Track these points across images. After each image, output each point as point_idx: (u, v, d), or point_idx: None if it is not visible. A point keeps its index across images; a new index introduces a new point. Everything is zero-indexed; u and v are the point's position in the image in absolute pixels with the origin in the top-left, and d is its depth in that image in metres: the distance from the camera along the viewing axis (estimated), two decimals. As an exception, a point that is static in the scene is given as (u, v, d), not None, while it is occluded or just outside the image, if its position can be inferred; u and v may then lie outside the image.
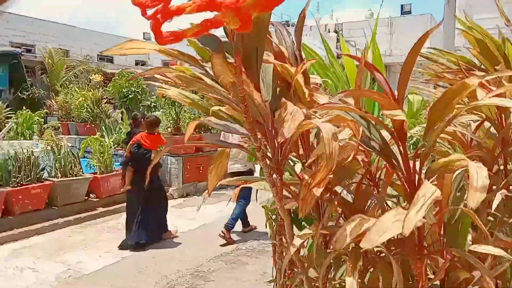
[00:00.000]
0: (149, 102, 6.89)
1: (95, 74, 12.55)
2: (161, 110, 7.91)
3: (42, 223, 5.46)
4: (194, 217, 6.25)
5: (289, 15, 20.87)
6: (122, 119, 11.33)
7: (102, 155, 6.55)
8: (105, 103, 11.60)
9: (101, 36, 22.41)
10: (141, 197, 4.84)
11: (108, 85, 6.94)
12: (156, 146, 4.91)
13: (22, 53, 15.38)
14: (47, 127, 10.15)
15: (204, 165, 8.28)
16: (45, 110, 12.66)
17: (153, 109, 7.20)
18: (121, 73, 6.61)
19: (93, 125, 10.81)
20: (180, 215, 6.46)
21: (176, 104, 7.60)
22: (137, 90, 6.52)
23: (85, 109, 10.93)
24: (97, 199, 6.42)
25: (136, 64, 23.71)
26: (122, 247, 4.85)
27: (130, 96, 6.52)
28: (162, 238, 5.12)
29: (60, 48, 17.74)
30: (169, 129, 8.52)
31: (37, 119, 11.69)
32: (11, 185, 5.32)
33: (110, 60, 22.26)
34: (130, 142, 4.97)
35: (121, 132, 9.57)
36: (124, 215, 6.25)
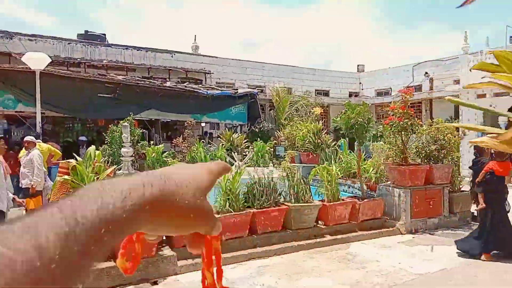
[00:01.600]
0: (375, 131, 6.69)
1: (315, 107, 13.35)
2: (386, 139, 7.60)
3: (280, 244, 5.90)
4: (431, 258, 5.56)
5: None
6: (342, 148, 11.60)
7: (329, 183, 6.70)
8: (324, 133, 12.18)
9: (317, 73, 24.03)
10: (491, 214, 5.59)
11: (336, 116, 7.12)
12: (507, 172, 5.52)
13: (258, 93, 17.99)
14: (284, 156, 11.27)
15: (435, 199, 7.42)
16: (274, 141, 14.27)
17: (379, 139, 6.96)
18: (349, 104, 6.68)
19: (314, 155, 11.44)
20: (413, 254, 5.87)
21: (403, 133, 7.15)
22: (364, 120, 6.44)
23: (307, 140, 11.72)
24: (325, 226, 6.55)
25: (350, 95, 24.26)
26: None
27: (356, 126, 6.49)
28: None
29: (285, 87, 19.91)
30: (391, 159, 8.10)
31: (268, 149, 13.23)
32: (255, 207, 5.99)
33: (326, 93, 23.53)
34: (483, 170, 5.65)
35: (341, 162, 9.74)
36: (352, 245, 6.16)
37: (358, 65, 26.02)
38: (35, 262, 0.25)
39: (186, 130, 12.56)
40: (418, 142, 7.60)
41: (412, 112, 7.09)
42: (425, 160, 7.63)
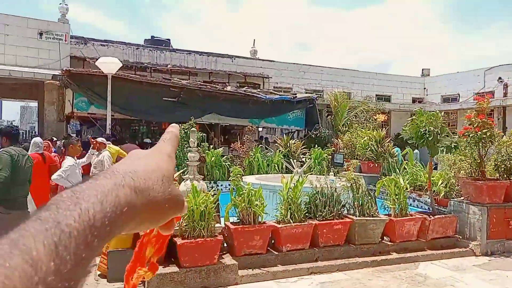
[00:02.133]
0: (449, 142, 6.20)
1: (379, 114, 12.80)
2: (462, 151, 7.03)
3: (342, 259, 5.64)
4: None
5: None
6: (407, 159, 10.99)
7: (397, 196, 6.32)
8: (387, 142, 11.61)
9: (377, 77, 23.18)
10: None
11: (405, 124, 6.72)
12: None
13: (317, 98, 17.68)
14: (342, 164, 10.92)
15: (516, 219, 6.72)
16: (332, 148, 13.89)
17: (453, 150, 6.44)
18: (420, 111, 6.26)
19: (376, 164, 10.95)
20: (491, 279, 5.33)
21: (480, 145, 6.56)
22: (436, 130, 5.99)
23: (369, 148, 11.24)
24: (391, 243, 6.17)
25: (413, 101, 23.13)
26: None
27: (427, 136, 6.06)
28: None
29: (344, 91, 19.39)
30: (463, 171, 7.48)
31: (326, 156, 12.90)
32: (317, 219, 5.79)
33: (388, 99, 22.60)
34: None
35: (405, 172, 9.19)
36: (421, 265, 5.76)
37: (422, 69, 24.72)
38: (33, 277, 0.24)
39: (245, 135, 12.61)
40: (497, 154, 6.94)
41: (492, 122, 6.48)
42: (504, 175, 6.95)
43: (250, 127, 13.42)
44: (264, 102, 15.50)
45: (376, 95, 22.32)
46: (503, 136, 7.17)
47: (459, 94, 21.42)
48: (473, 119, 6.46)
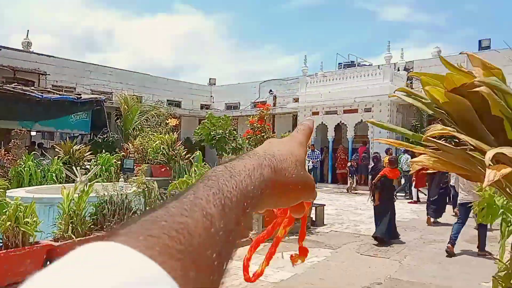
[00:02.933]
0: (234, 144, 6.75)
1: (170, 118, 12.92)
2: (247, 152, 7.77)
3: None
4: (284, 265, 5.80)
5: (356, 55, 20.69)
6: (197, 160, 11.44)
7: (188, 198, 6.42)
8: (179, 145, 11.83)
9: (168, 83, 23.60)
10: (387, 206, 7.16)
11: (197, 128, 6.93)
12: (396, 177, 7.58)
13: (105, 100, 16.41)
14: (133, 169, 10.41)
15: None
16: (122, 153, 13.17)
17: (238, 151, 7.05)
18: (210, 116, 6.57)
19: (167, 167, 10.98)
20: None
21: (259, 146, 7.43)
22: (225, 133, 6.42)
23: (161, 152, 11.18)
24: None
25: (201, 108, 24.55)
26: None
27: (217, 138, 6.42)
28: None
29: (134, 95, 18.80)
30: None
31: (114, 161, 12.13)
32: (105, 230, 5.26)
33: (178, 104, 23.23)
34: (379, 174, 7.17)
35: (196, 174, 9.55)
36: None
37: (210, 79, 26.62)
38: (210, 229, 0.28)
39: (12, 140, 10.49)
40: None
41: (270, 126, 7.43)
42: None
43: (19, 131, 11.29)
44: (40, 102, 13.32)
45: (167, 100, 22.65)
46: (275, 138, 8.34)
47: (239, 103, 24.06)
48: (255, 124, 7.26)
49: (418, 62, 17.91)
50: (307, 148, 0.50)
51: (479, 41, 17.03)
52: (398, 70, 17.14)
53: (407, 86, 13.99)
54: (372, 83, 15.76)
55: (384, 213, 7.09)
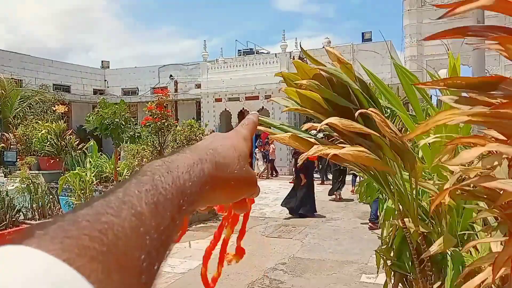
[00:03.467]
0: (132, 132, 6.41)
1: (58, 105, 11.72)
2: (144, 140, 7.44)
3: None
4: (191, 255, 5.77)
5: (254, 43, 21.15)
6: (91, 151, 10.60)
7: (83, 191, 5.94)
8: (69, 134, 10.82)
9: (54, 65, 21.35)
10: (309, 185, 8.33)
11: (88, 115, 6.40)
12: (316, 158, 7.99)
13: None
14: (16, 163, 9.26)
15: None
16: (1, 144, 11.58)
17: (137, 139, 6.71)
18: (102, 102, 6.11)
19: (57, 159, 9.99)
20: (174, 253, 5.93)
21: (159, 134, 7.17)
22: (121, 121, 6.05)
23: (48, 142, 10.10)
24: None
25: (95, 93, 22.79)
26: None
27: (112, 127, 6.02)
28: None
29: (13, 78, 16.58)
30: (146, 160, 8.03)
31: (-8, 154, 10.64)
32: (-18, 232, 4.60)
33: (67, 89, 21.20)
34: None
35: (91, 165, 8.87)
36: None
37: (102, 61, 24.76)
38: (139, 228, 0.26)
39: None
40: (174, 142, 7.80)
41: (170, 113, 7.21)
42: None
43: None
44: None
45: (54, 84, 20.48)
46: (177, 126, 8.13)
47: (138, 88, 22.89)
48: (153, 111, 6.96)
49: (310, 51, 18.94)
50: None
51: (362, 34, 18.76)
52: (293, 58, 18.02)
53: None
54: (270, 71, 16.32)
55: (308, 191, 8.23)
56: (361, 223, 7.37)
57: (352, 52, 17.60)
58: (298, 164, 8.07)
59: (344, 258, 5.36)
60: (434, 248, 0.96)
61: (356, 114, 1.02)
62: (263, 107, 16.61)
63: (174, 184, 0.31)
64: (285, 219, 8.01)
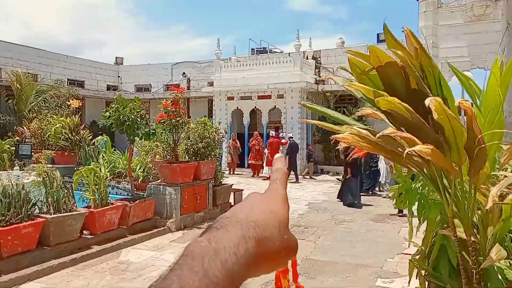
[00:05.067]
0: (147, 129, 6.40)
1: (72, 99, 11.81)
2: (159, 137, 7.44)
3: (34, 266, 4.77)
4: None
5: (267, 42, 21.07)
6: (103, 146, 10.67)
7: (97, 187, 5.96)
8: (82, 129, 10.89)
9: (69, 60, 21.54)
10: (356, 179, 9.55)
11: (104, 111, 6.42)
12: (365, 155, 8.11)
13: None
14: (31, 156, 9.37)
15: (202, 194, 7.81)
16: (16, 138, 11.73)
17: (151, 136, 6.71)
18: (119, 98, 6.12)
19: (72, 154, 10.07)
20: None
21: (174, 131, 7.16)
22: (136, 117, 6.05)
23: (63, 136, 10.18)
24: (92, 236, 5.78)
25: (108, 89, 22.97)
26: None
27: (128, 123, 6.03)
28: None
29: (29, 72, 16.77)
30: (158, 156, 8.03)
31: (8, 147, 10.79)
32: (-1, 225, 4.63)
33: (81, 84, 21.39)
34: (353, 153, 8.50)
35: (104, 161, 8.91)
36: (123, 252, 5.73)
37: (116, 57, 24.91)
38: None
39: None
40: (187, 140, 7.77)
41: (184, 111, 7.19)
42: (193, 157, 7.92)
43: None
44: None
45: (68, 79, 20.68)
46: (190, 123, 8.11)
47: (151, 85, 22.98)
48: (168, 108, 6.94)
49: (324, 51, 18.90)
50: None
51: (377, 34, 18.53)
52: (307, 58, 17.90)
53: (315, 75, 14.70)
54: (283, 70, 16.23)
55: (356, 184, 9.40)
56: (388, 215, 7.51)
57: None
58: (348, 159, 8.73)
59: (359, 261, 5.28)
60: (488, 261, 0.90)
61: (427, 102, 0.96)
62: (275, 106, 16.53)
63: (223, 269, 0.32)
64: (298, 218, 7.95)
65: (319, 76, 18.24)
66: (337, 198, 10.05)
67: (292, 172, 13.85)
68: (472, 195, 0.98)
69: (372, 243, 6.21)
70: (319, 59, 18.65)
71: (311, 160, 15.51)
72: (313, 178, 14.95)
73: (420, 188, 1.76)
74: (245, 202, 0.43)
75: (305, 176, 15.00)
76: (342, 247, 5.96)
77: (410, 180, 1.89)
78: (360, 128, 1.31)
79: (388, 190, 10.64)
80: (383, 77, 1.16)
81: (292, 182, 13.49)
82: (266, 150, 15.03)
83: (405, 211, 8.22)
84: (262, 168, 15.44)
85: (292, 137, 14.67)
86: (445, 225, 1.63)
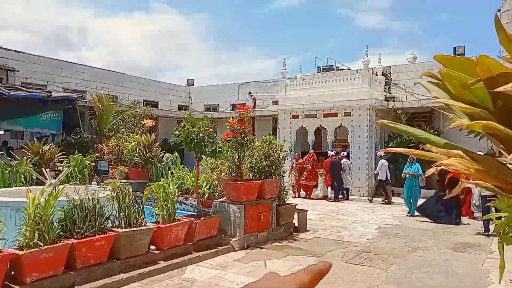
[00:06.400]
0: (214, 146, 6.49)
1: (147, 119, 12.51)
2: (225, 155, 7.53)
3: (105, 278, 4.96)
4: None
5: (334, 59, 20.80)
6: (174, 163, 11.08)
7: (165, 203, 6.11)
8: (156, 147, 11.44)
9: (145, 82, 23.04)
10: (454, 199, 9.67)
11: (174, 129, 6.64)
12: (459, 175, 10.07)
13: (78, 99, 15.80)
14: (107, 171, 9.99)
15: (265, 213, 7.69)
16: (96, 154, 12.67)
17: (218, 154, 6.78)
18: (189, 117, 6.29)
19: (144, 170, 10.59)
20: (249, 272, 5.79)
21: (239, 149, 7.18)
22: (204, 135, 6.15)
23: (137, 153, 10.77)
24: (159, 251, 5.90)
25: (179, 109, 24.11)
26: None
27: (197, 141, 6.15)
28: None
29: (109, 94, 18.21)
30: (224, 174, 8.08)
31: (88, 163, 11.63)
32: (75, 236, 4.90)
33: (155, 105, 22.71)
34: (450, 175, 9.45)
35: (173, 177, 9.21)
36: (188, 269, 5.74)
37: (188, 79, 26.19)
38: None
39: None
40: (251, 158, 7.76)
41: (250, 129, 7.21)
42: (257, 176, 7.87)
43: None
44: (7, 99, 12.66)
45: (144, 100, 22.11)
46: (255, 141, 8.11)
47: (218, 104, 23.74)
48: (234, 126, 7.01)
49: (395, 67, 18.10)
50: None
51: (454, 48, 17.37)
52: (376, 74, 17.26)
53: (384, 92, 14.12)
54: (351, 87, 15.79)
55: (455, 203, 9.84)
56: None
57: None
58: (445, 182, 9.68)
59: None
60: None
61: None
62: (341, 124, 16.07)
63: None
64: (367, 243, 7.48)
65: (389, 93, 17.46)
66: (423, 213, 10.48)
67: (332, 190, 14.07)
68: None
69: (451, 274, 5.59)
70: (389, 75, 17.91)
71: (386, 182, 13.80)
72: (390, 203, 13.66)
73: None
74: (262, 278, 0.43)
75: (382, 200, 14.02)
76: (418, 277, 5.42)
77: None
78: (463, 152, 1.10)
79: (479, 211, 9.72)
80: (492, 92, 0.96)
81: (332, 201, 13.57)
82: (321, 170, 14.43)
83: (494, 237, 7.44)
84: (315, 187, 14.79)
85: (334, 155, 14.26)
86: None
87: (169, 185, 6.36)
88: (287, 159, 8.88)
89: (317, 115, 16.60)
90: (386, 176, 13.60)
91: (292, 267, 5.90)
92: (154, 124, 12.66)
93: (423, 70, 16.80)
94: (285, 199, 8.62)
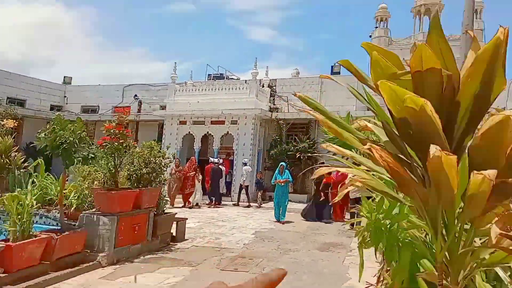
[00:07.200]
0: (86, 152, 5.81)
1: (8, 119, 10.83)
2: (99, 161, 6.82)
3: None
4: (137, 292, 5.13)
5: (225, 68, 20.99)
6: (38, 171, 9.72)
7: (19, 217, 5.22)
8: (15, 151, 9.91)
9: (11, 77, 20.18)
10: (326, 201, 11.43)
11: (38, 132, 5.79)
12: (330, 180, 11.58)
13: None
14: None
15: (141, 224, 7.18)
16: None
17: (91, 160, 6.11)
18: (57, 118, 5.53)
19: (-1, 178, 9.05)
20: (118, 290, 5.25)
21: (116, 155, 6.58)
22: (75, 139, 5.47)
23: (-10, 159, 9.16)
24: (6, 274, 4.99)
25: (51, 109, 21.65)
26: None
27: (65, 146, 5.43)
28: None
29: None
30: (96, 182, 7.34)
31: None
32: None
33: (21, 103, 19.98)
34: (325, 181, 11.45)
35: (35, 186, 8.04)
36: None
37: (64, 77, 23.70)
38: None
39: None
40: (130, 165, 7.20)
41: (130, 133, 6.67)
42: (135, 184, 7.33)
43: None
44: None
45: (8, 97, 19.27)
46: (136, 147, 7.54)
47: (99, 106, 21.95)
48: (112, 130, 6.39)
49: (280, 80, 19.09)
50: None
51: (331, 67, 19.09)
52: (263, 86, 17.95)
53: (269, 102, 14.77)
54: (239, 97, 16.10)
55: (326, 203, 11.26)
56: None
57: (320, 84, 17.76)
58: (321, 188, 11.49)
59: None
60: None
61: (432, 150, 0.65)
62: (228, 132, 16.26)
63: None
64: (243, 248, 7.53)
65: (274, 104, 18.29)
66: (304, 216, 11.80)
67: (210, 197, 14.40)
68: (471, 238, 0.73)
69: (317, 274, 5.94)
70: (274, 87, 18.78)
71: (261, 188, 15.01)
72: (261, 206, 14.60)
73: (389, 225, 1.51)
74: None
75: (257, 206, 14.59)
76: (288, 279, 5.59)
77: (380, 217, 1.62)
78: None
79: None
80: (417, 87, 0.90)
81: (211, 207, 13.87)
82: (200, 176, 14.17)
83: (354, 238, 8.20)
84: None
85: (216, 162, 14.49)
86: (424, 270, 1.39)
87: (26, 196, 5.47)
88: (169, 166, 8.48)
89: (205, 122, 16.50)
90: (258, 181, 15.22)
91: (164, 280, 5.56)
92: (15, 125, 10.99)
93: (304, 85, 18.05)
94: (164, 208, 8.22)
